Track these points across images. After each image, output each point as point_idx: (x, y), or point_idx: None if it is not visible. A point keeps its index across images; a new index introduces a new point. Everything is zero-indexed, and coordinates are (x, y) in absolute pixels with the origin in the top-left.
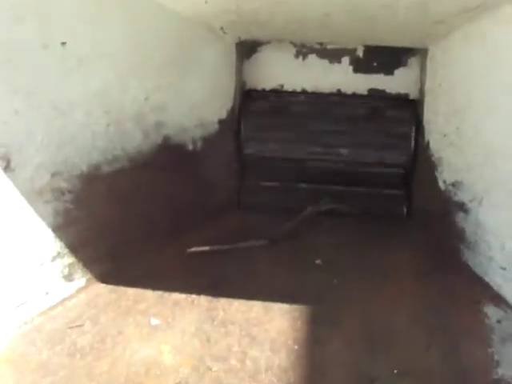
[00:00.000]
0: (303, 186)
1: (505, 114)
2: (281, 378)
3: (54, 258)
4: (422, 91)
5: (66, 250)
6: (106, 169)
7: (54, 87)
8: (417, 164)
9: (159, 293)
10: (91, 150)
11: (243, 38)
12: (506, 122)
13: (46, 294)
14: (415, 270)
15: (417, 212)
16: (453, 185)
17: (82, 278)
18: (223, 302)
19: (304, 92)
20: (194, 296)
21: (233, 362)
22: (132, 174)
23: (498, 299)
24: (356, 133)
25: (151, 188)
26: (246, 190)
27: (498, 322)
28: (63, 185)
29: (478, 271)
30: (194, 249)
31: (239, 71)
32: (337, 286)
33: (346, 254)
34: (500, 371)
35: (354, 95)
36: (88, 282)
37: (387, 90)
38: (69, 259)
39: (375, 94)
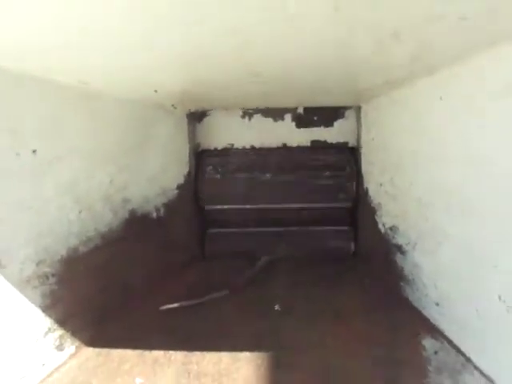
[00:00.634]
0: (260, 232)
1: (431, 172)
2: None
3: (45, 334)
4: (358, 142)
5: (55, 325)
6: (82, 249)
7: (28, 190)
8: (359, 207)
9: (140, 351)
10: (68, 235)
11: (193, 109)
12: (431, 180)
13: (43, 365)
14: (363, 308)
15: (363, 250)
16: (390, 229)
17: (71, 345)
18: (197, 356)
19: (253, 148)
20: (171, 352)
21: None
22: (105, 250)
23: (434, 331)
24: (303, 181)
25: (123, 257)
26: (208, 242)
27: (435, 353)
28: (47, 270)
29: (417, 306)
30: (165, 306)
31: (192, 136)
32: (295, 330)
33: (301, 297)
34: None
35: (299, 147)
36: (77, 349)
37: (328, 140)
38: (59, 332)
39: (318, 145)
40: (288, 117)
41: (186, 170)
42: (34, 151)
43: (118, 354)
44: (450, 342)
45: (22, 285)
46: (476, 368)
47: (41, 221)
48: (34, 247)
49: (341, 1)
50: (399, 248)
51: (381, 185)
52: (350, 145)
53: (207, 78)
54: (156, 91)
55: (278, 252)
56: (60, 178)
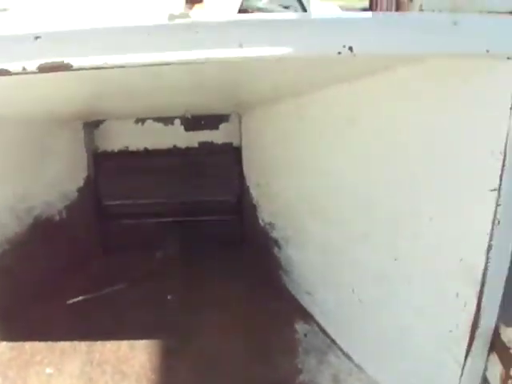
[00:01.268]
0: (156, 224)
1: (297, 180)
2: None
3: None
4: (240, 144)
5: None
6: None
7: None
8: (243, 202)
9: (49, 343)
10: None
11: (88, 120)
12: (298, 188)
13: None
14: (246, 297)
15: (248, 241)
16: (269, 224)
17: None
18: (98, 345)
19: (146, 150)
20: (75, 342)
21: None
22: (13, 253)
23: (307, 317)
24: (191, 177)
25: (30, 258)
26: (109, 238)
27: (305, 335)
28: None
29: (294, 293)
30: (71, 300)
31: (89, 141)
32: (185, 319)
33: (192, 287)
34: (301, 377)
35: (188, 148)
36: None
37: (214, 141)
38: None
39: (205, 146)
40: (177, 121)
41: (84, 174)
42: None
43: (29, 346)
44: (319, 325)
45: None
46: (340, 349)
47: None
48: None
49: None
50: (276, 242)
51: (258, 185)
52: (234, 145)
53: (100, 95)
54: (51, 113)
55: (173, 244)
56: None
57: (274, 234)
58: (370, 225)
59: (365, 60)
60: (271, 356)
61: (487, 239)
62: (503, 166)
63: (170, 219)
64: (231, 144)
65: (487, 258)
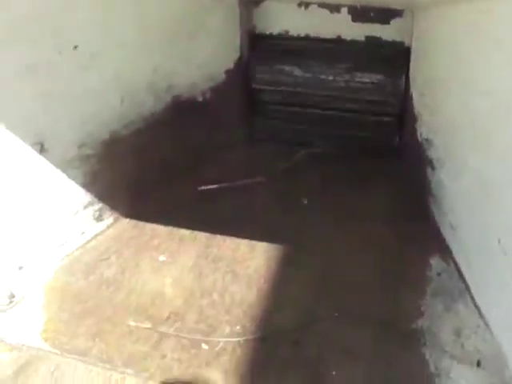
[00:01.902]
0: (308, 114)
1: (463, 96)
2: (247, 313)
3: (85, 207)
4: (411, 44)
5: (95, 200)
6: (123, 132)
7: (72, 82)
8: (405, 109)
9: (170, 228)
10: (110, 121)
11: None
12: (462, 104)
13: (82, 233)
14: (385, 212)
15: (403, 151)
16: (426, 140)
17: (110, 217)
18: (218, 239)
19: (307, 36)
20: (196, 232)
21: (215, 295)
22: (147, 132)
23: (445, 252)
24: (353, 72)
25: (165, 139)
26: (254, 126)
27: (438, 274)
28: (89, 152)
29: (438, 222)
30: (203, 187)
31: (246, 20)
32: (314, 227)
33: (330, 194)
34: (420, 322)
35: (353, 41)
36: (115, 219)
37: (383, 37)
38: (98, 205)
39: (372, 41)
40: (344, 10)
41: (236, 56)
42: (76, 47)
43: (150, 228)
44: (456, 265)
45: (64, 165)
46: (472, 299)
47: (84, 110)
48: (76, 133)
49: None
50: (430, 162)
51: (423, 95)
52: (406, 45)
53: None
54: None
55: (322, 142)
56: (103, 71)
57: (431, 153)
58: None
59: None
60: (395, 288)
61: None
62: None
63: (322, 113)
64: (401, 43)
65: None
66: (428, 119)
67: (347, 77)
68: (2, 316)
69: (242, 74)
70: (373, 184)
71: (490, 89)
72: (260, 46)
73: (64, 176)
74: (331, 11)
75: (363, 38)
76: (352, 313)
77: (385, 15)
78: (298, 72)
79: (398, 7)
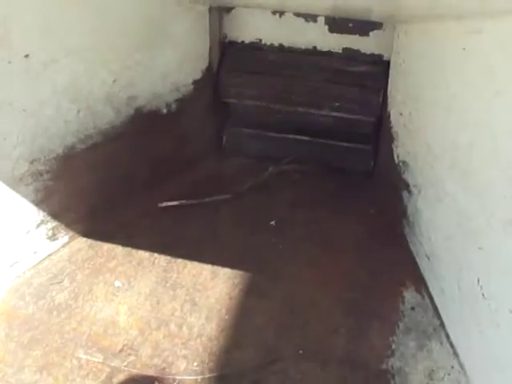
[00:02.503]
0: (279, 135)
1: (445, 123)
2: (206, 347)
3: (38, 225)
4: (390, 59)
5: (48, 218)
6: (80, 147)
7: (22, 94)
8: (381, 128)
9: (128, 249)
10: (64, 135)
11: (214, 5)
12: (443, 132)
13: (34, 253)
14: (357, 240)
15: (377, 173)
16: (403, 163)
17: (64, 236)
18: (179, 263)
19: (281, 46)
20: (156, 255)
21: (172, 326)
22: (106, 146)
23: (420, 284)
24: (328, 86)
25: (124, 154)
26: (222, 141)
27: (412, 308)
28: (41, 168)
29: (413, 250)
30: (164, 204)
31: (216, 28)
32: (280, 253)
33: (299, 215)
34: (390, 362)
35: (329, 52)
36: (71, 238)
37: (361, 50)
38: (52, 224)
39: (350, 53)
40: (321, 20)
41: (204, 65)
42: (27, 56)
43: (107, 248)
44: (431, 299)
45: (15, 182)
46: (447, 336)
47: (35, 122)
48: (27, 147)
49: None
50: (407, 186)
51: (401, 114)
52: (385, 59)
53: None
54: None
55: (294, 157)
56: (57, 81)
57: (407, 177)
58: None
59: None
60: (364, 323)
61: None
62: None
63: (294, 128)
64: (381, 57)
65: None
66: (406, 141)
67: (322, 90)
68: None
69: (210, 84)
70: (345, 206)
71: (474, 120)
72: (231, 56)
73: (14, 193)
74: (307, 20)
75: (340, 50)
76: (317, 350)
77: (364, 27)
78: (270, 84)
79: (379, 20)
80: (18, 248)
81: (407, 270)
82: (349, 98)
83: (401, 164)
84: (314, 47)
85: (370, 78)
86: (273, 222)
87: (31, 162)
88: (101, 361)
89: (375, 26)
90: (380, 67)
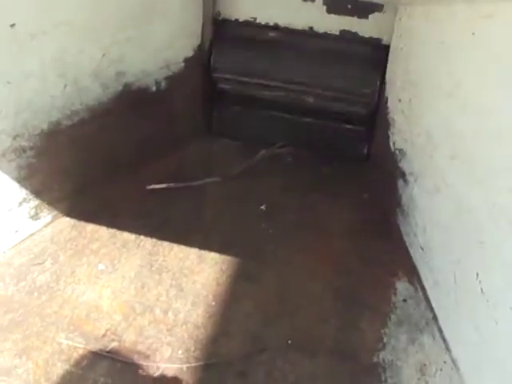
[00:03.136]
0: (272, 111)
1: (446, 111)
2: (191, 335)
3: (20, 204)
4: (390, 43)
5: (31, 196)
6: (65, 123)
7: (6, 65)
8: (378, 113)
9: (112, 231)
10: (50, 110)
11: None
12: (444, 119)
13: (16, 232)
14: (349, 227)
15: (372, 159)
16: (399, 151)
17: (48, 215)
18: (165, 246)
19: (276, 26)
20: (141, 237)
21: (157, 312)
22: (92, 123)
23: (414, 275)
24: (323, 68)
25: (112, 131)
26: (212, 121)
27: (404, 300)
28: (24, 144)
29: (406, 241)
30: (152, 186)
31: (211, 3)
32: (270, 239)
33: (291, 200)
34: (381, 355)
35: (326, 34)
36: (54, 218)
37: (359, 33)
38: (34, 202)
39: (347, 36)
40: (319, 0)
41: (196, 43)
42: (13, 25)
43: (91, 229)
44: (424, 292)
45: None
46: (440, 330)
47: (19, 96)
48: (10, 122)
49: None
50: (403, 175)
51: (399, 101)
52: (384, 42)
53: None
54: None
55: (286, 140)
56: (44, 53)
57: (403, 165)
58: None
59: None
60: (355, 313)
61: None
62: None
63: (288, 110)
64: (379, 40)
65: None
66: (403, 128)
67: (317, 71)
68: None
69: (202, 62)
70: (338, 192)
71: (480, 109)
72: (224, 34)
73: None
74: (305, 0)
75: (337, 32)
76: (306, 340)
77: (363, 8)
78: (263, 63)
79: (380, 1)
80: None
81: (400, 261)
82: (345, 78)
83: (397, 152)
84: (311, 28)
85: (366, 61)
86: (263, 207)
87: (14, 138)
88: (82, 346)
89: (375, 7)
90: (378, 51)
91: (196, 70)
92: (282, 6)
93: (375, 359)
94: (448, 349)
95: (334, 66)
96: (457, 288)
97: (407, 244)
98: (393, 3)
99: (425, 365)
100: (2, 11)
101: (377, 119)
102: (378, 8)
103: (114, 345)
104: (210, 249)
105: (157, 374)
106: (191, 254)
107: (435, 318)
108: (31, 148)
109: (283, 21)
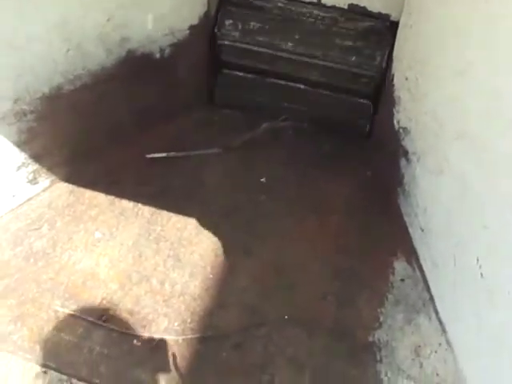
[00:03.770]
0: (276, 83)
1: (453, 90)
2: (188, 306)
3: (18, 168)
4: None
5: (30, 160)
6: (67, 88)
7: (9, 26)
8: (383, 90)
9: (111, 198)
10: (52, 74)
11: None
12: (451, 99)
13: (13, 196)
14: (349, 204)
15: (375, 136)
16: (403, 129)
17: (46, 179)
18: (163, 216)
19: None
20: (140, 206)
21: (154, 282)
22: (94, 88)
23: (411, 256)
24: (329, 41)
25: (114, 97)
26: (216, 90)
27: (402, 280)
28: (25, 107)
29: (407, 221)
30: (152, 155)
31: None
32: (269, 212)
33: (291, 174)
34: (377, 334)
35: (334, 8)
36: (52, 183)
37: (368, 8)
38: (33, 167)
39: (355, 10)
40: None
41: (203, 10)
42: None
43: (89, 196)
44: (422, 272)
45: None
46: (436, 312)
47: (22, 58)
48: (11, 84)
49: None
50: (405, 154)
51: (406, 79)
52: (393, 19)
53: None
54: None
55: (289, 114)
56: (48, 16)
57: (406, 144)
58: None
59: None
60: (352, 292)
61: None
62: None
63: (292, 83)
64: (388, 16)
65: None
66: (408, 106)
67: (323, 44)
68: None
69: (207, 30)
70: (339, 168)
71: (493, 89)
72: (231, 2)
73: None
74: None
75: (346, 6)
76: (303, 316)
77: None
78: (269, 33)
79: None
80: None
81: (399, 240)
82: (351, 52)
83: (401, 130)
84: (319, 0)
85: (374, 36)
86: (263, 179)
87: (15, 101)
88: (78, 314)
89: None
90: (387, 27)
91: (201, 38)
92: None
93: (371, 338)
94: (444, 330)
95: (341, 40)
96: (456, 271)
97: (407, 224)
98: None
99: (420, 346)
100: None
101: (381, 97)
102: None
103: (109, 314)
104: (209, 220)
105: (152, 345)
106: (190, 224)
107: (432, 299)
108: (32, 112)
109: None
